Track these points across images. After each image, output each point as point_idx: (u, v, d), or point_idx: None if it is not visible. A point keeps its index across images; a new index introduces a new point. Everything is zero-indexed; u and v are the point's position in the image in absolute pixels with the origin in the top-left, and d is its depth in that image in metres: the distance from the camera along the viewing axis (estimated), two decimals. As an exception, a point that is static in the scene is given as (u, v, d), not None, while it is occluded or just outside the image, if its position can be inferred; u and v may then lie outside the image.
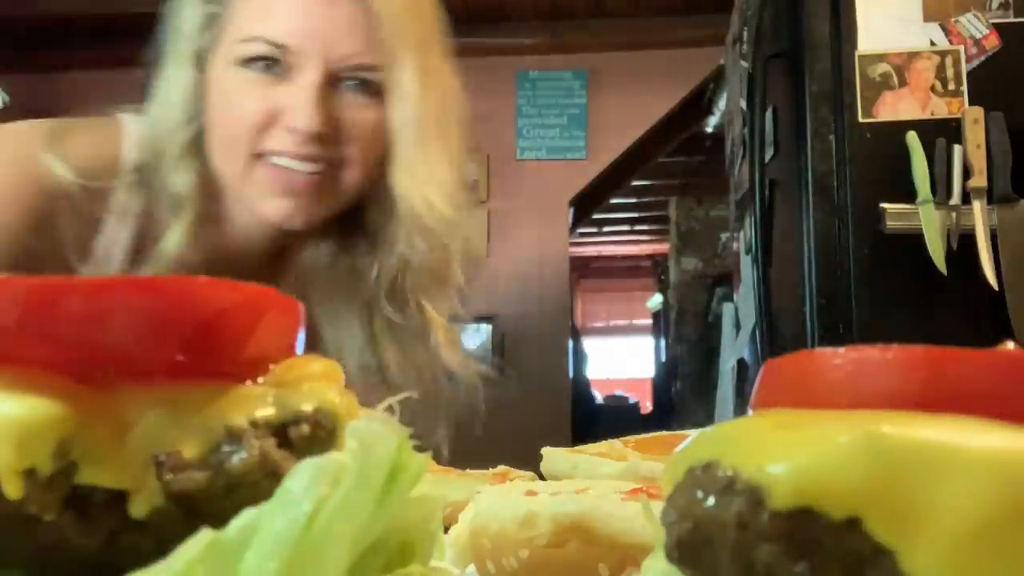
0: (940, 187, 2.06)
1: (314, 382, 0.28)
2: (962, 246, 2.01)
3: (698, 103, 3.95)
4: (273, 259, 0.94)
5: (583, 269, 8.57)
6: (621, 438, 0.61)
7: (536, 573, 0.41)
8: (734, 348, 2.51)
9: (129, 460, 0.24)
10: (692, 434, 0.27)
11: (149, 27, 0.90)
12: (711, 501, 0.24)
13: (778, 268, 2.01)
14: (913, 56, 1.95)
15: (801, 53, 1.88)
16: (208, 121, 0.86)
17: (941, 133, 2.05)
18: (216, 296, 0.27)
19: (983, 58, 2.10)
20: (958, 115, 2.07)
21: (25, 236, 0.83)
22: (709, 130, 4.17)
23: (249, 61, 0.84)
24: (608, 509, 0.40)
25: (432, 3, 0.91)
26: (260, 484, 0.24)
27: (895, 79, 1.92)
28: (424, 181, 0.87)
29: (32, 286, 0.25)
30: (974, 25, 2.09)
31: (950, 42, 2.09)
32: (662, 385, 6.41)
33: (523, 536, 0.41)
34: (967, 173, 2.04)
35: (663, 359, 6.60)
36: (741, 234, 2.42)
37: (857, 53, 1.85)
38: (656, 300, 7.23)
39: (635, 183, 5.52)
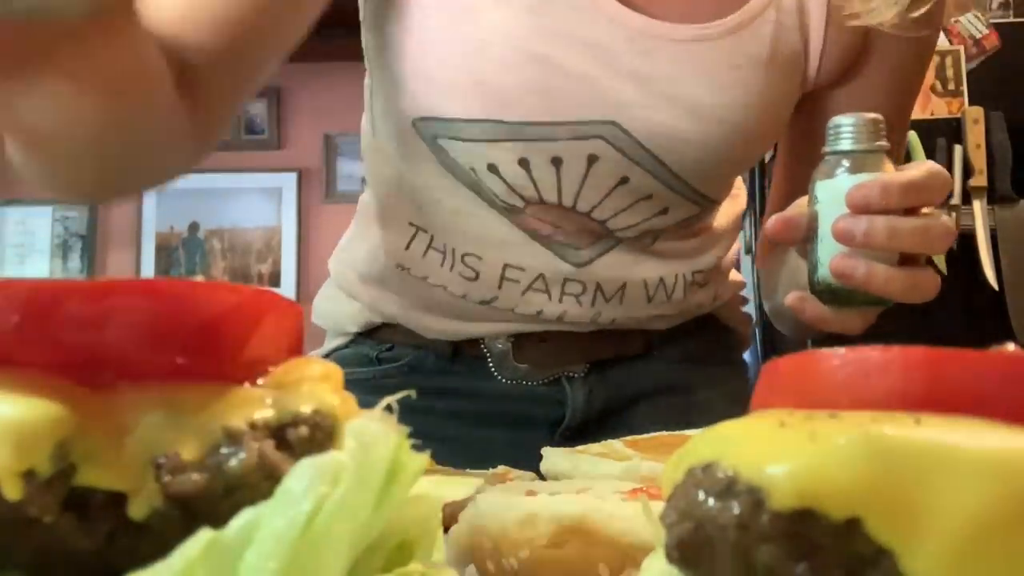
0: (940, 187, 2.05)
1: (313, 384, 0.28)
2: (962, 246, 2.01)
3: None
4: None
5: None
6: (621, 438, 0.61)
7: (536, 573, 0.41)
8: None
9: (128, 462, 0.24)
10: (693, 434, 0.27)
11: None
12: (711, 502, 0.24)
13: (778, 268, 2.01)
14: (913, 56, 1.94)
15: (801, 53, 1.88)
16: None
17: (941, 133, 2.05)
18: (216, 298, 0.27)
19: (983, 58, 2.10)
20: (958, 115, 2.07)
21: None
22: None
23: None
24: (608, 509, 0.40)
25: None
26: (259, 485, 0.24)
27: (895, 79, 1.92)
28: None
29: (32, 288, 0.25)
30: (974, 25, 2.09)
31: (950, 42, 2.09)
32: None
33: (523, 536, 0.41)
34: (967, 173, 2.04)
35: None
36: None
37: (857, 53, 1.85)
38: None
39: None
